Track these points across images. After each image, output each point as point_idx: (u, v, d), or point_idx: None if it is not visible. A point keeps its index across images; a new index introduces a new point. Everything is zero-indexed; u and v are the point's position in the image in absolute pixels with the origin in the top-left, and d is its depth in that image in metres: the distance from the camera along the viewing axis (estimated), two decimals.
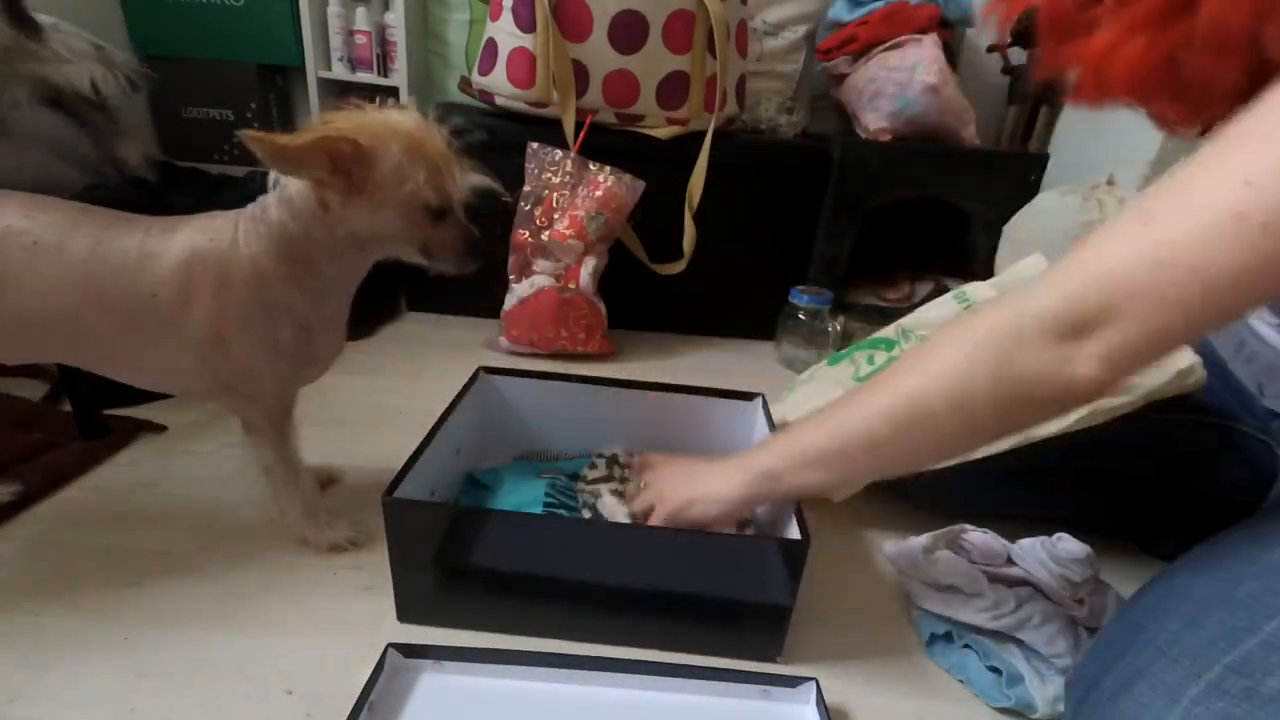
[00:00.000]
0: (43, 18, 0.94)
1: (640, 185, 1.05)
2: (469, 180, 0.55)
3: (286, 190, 0.53)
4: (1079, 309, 0.36)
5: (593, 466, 0.66)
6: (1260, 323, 0.63)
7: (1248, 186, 0.31)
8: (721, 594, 0.52)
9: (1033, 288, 0.39)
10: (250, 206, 0.55)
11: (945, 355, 0.43)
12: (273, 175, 0.53)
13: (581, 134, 1.03)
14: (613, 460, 0.67)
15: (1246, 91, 0.35)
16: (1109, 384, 0.37)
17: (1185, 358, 0.59)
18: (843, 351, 0.85)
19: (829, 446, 0.49)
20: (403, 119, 0.52)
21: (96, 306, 0.51)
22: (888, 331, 0.83)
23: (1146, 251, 0.34)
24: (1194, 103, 0.40)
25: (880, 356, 0.80)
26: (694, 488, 0.55)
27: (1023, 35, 1.15)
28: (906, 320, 0.82)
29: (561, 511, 0.61)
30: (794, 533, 0.51)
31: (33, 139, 0.96)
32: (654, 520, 0.55)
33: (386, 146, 0.50)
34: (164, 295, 0.52)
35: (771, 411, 0.71)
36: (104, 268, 0.51)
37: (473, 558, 0.52)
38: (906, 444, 0.46)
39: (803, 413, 0.80)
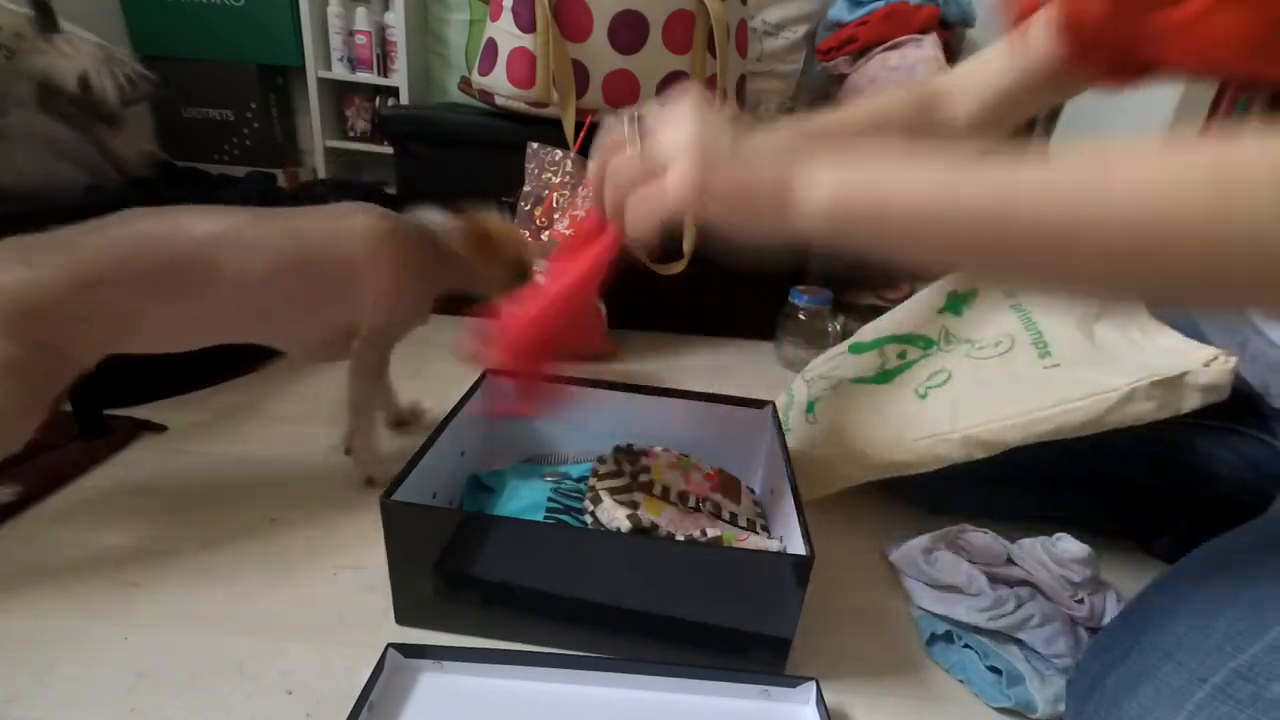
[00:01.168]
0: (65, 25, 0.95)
1: None
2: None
3: (447, 227, 0.70)
4: None
5: (602, 461, 0.66)
6: (1265, 321, 0.63)
7: None
8: (724, 605, 0.51)
9: None
10: (425, 210, 0.71)
11: (1197, 179, 0.29)
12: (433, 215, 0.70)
13: (581, 134, 1.03)
14: (621, 454, 0.66)
15: None
16: None
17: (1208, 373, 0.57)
18: (867, 341, 0.83)
19: (928, 216, 0.33)
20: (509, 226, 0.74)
21: (303, 281, 0.62)
22: (929, 330, 0.78)
23: None
24: None
25: (915, 353, 0.77)
26: (724, 165, 0.38)
27: None
28: (954, 325, 0.76)
29: (565, 517, 0.61)
30: (798, 547, 0.51)
31: (32, 139, 0.97)
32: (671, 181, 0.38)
33: (508, 242, 0.72)
34: (360, 259, 0.64)
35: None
36: (307, 246, 0.63)
37: (472, 563, 0.52)
38: (1068, 267, 0.32)
39: (821, 395, 0.79)
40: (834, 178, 0.36)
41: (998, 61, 0.55)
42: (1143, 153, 0.31)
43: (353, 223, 0.65)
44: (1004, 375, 0.66)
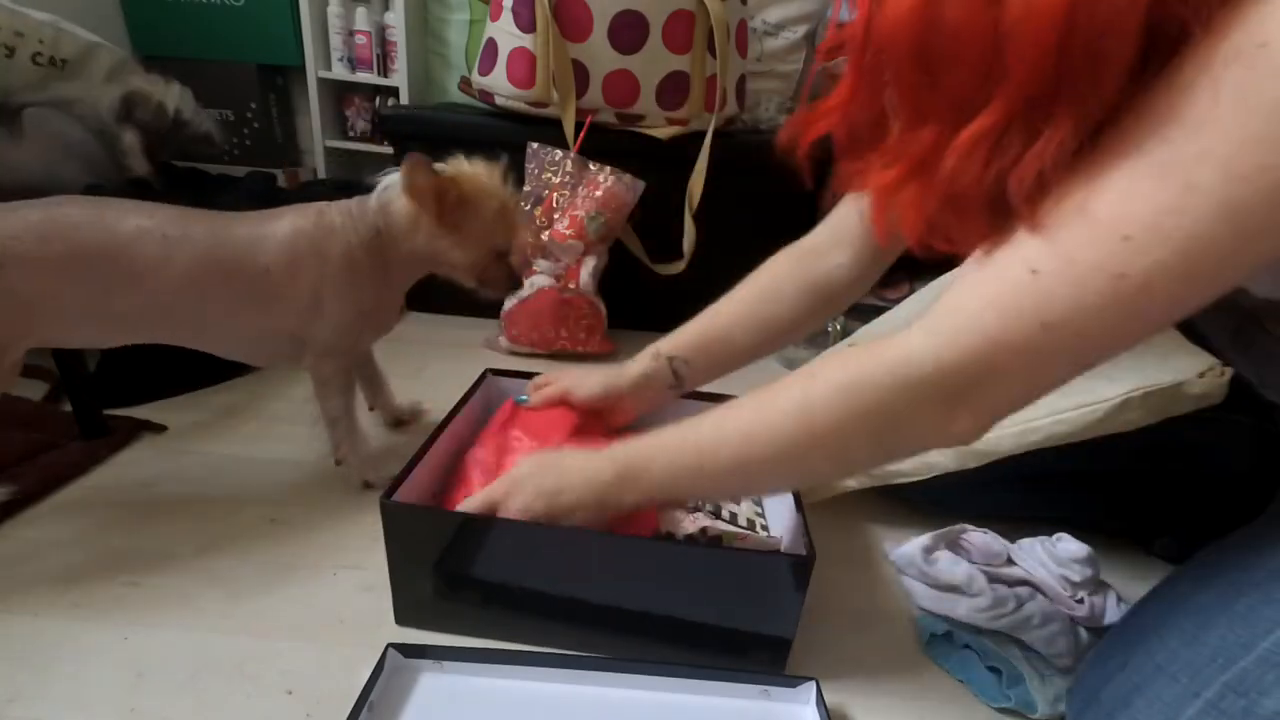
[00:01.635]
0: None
1: (640, 185, 1.05)
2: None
3: (391, 204, 0.65)
4: (962, 372, 0.36)
5: None
6: (1265, 315, 0.62)
7: (1125, 242, 0.31)
8: (724, 605, 0.51)
9: (916, 338, 0.38)
10: (348, 202, 0.66)
11: (824, 407, 0.41)
12: (382, 183, 0.65)
13: (581, 134, 1.03)
14: None
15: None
16: (985, 431, 0.38)
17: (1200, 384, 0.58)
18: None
19: (680, 484, 0.48)
20: (495, 180, 0.66)
21: (221, 285, 0.61)
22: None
23: (1030, 311, 0.33)
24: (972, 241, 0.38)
25: None
26: (555, 495, 0.50)
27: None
28: None
29: None
30: (799, 547, 0.51)
31: (47, 137, 0.99)
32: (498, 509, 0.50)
33: (485, 202, 0.65)
34: (275, 269, 0.62)
35: None
36: (225, 250, 0.61)
37: (472, 563, 0.52)
38: (756, 483, 0.50)
39: None
40: (625, 455, 0.49)
41: (848, 208, 0.61)
42: (751, 402, 0.45)
43: (275, 229, 0.63)
44: None
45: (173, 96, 1.08)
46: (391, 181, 0.65)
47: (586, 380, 0.65)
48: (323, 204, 0.65)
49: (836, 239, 0.62)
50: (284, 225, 0.63)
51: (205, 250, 0.60)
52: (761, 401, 0.44)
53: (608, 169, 1.03)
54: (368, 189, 0.66)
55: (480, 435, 0.63)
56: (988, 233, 0.36)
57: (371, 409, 0.83)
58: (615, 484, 0.49)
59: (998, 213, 0.35)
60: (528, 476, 0.51)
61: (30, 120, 0.98)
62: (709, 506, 0.62)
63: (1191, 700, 0.35)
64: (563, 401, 0.65)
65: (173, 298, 0.59)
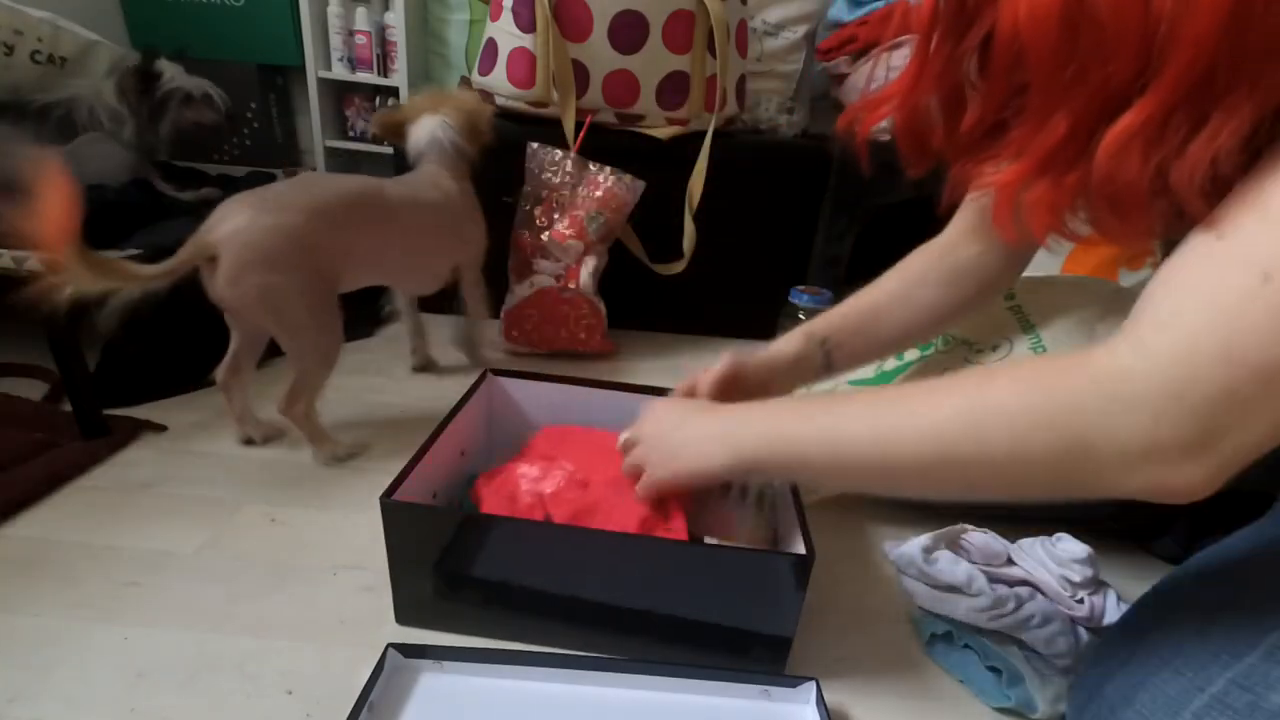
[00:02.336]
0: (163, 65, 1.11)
1: (640, 185, 1.05)
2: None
3: (443, 137, 0.87)
4: (1185, 435, 0.30)
5: None
6: None
7: None
8: (724, 605, 0.51)
9: (1123, 350, 0.32)
10: (430, 167, 0.88)
11: (996, 414, 0.35)
12: (421, 137, 0.87)
13: (581, 134, 1.03)
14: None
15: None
16: (1216, 483, 0.32)
17: None
18: None
19: (826, 459, 0.43)
20: (464, 94, 0.95)
21: (445, 234, 0.88)
22: None
23: (1266, 324, 0.28)
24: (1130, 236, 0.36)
25: (912, 354, 0.77)
26: (676, 459, 0.51)
27: None
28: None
29: None
30: (799, 547, 0.51)
31: (92, 160, 1.03)
32: (639, 489, 0.53)
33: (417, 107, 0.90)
34: (460, 214, 0.89)
35: None
36: (445, 207, 0.86)
37: (472, 563, 0.52)
38: (925, 485, 0.41)
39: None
40: (752, 438, 0.47)
41: (971, 206, 0.59)
42: (914, 395, 0.40)
43: (440, 187, 0.85)
44: None
45: (169, 68, 1.11)
46: (429, 128, 0.86)
47: (753, 357, 0.61)
48: (424, 169, 0.87)
49: (966, 233, 0.60)
50: (438, 185, 0.85)
51: (435, 208, 0.84)
52: (932, 389, 0.39)
53: (608, 169, 1.03)
54: (403, 157, 0.91)
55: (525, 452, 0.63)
56: (1155, 232, 0.34)
57: (413, 352, 1.00)
58: (745, 462, 0.47)
59: (1164, 211, 0.32)
60: (654, 437, 0.53)
61: (81, 146, 1.02)
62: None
63: (1196, 695, 0.35)
64: (733, 376, 0.59)
65: (417, 245, 0.83)
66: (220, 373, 0.75)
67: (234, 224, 0.65)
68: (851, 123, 0.44)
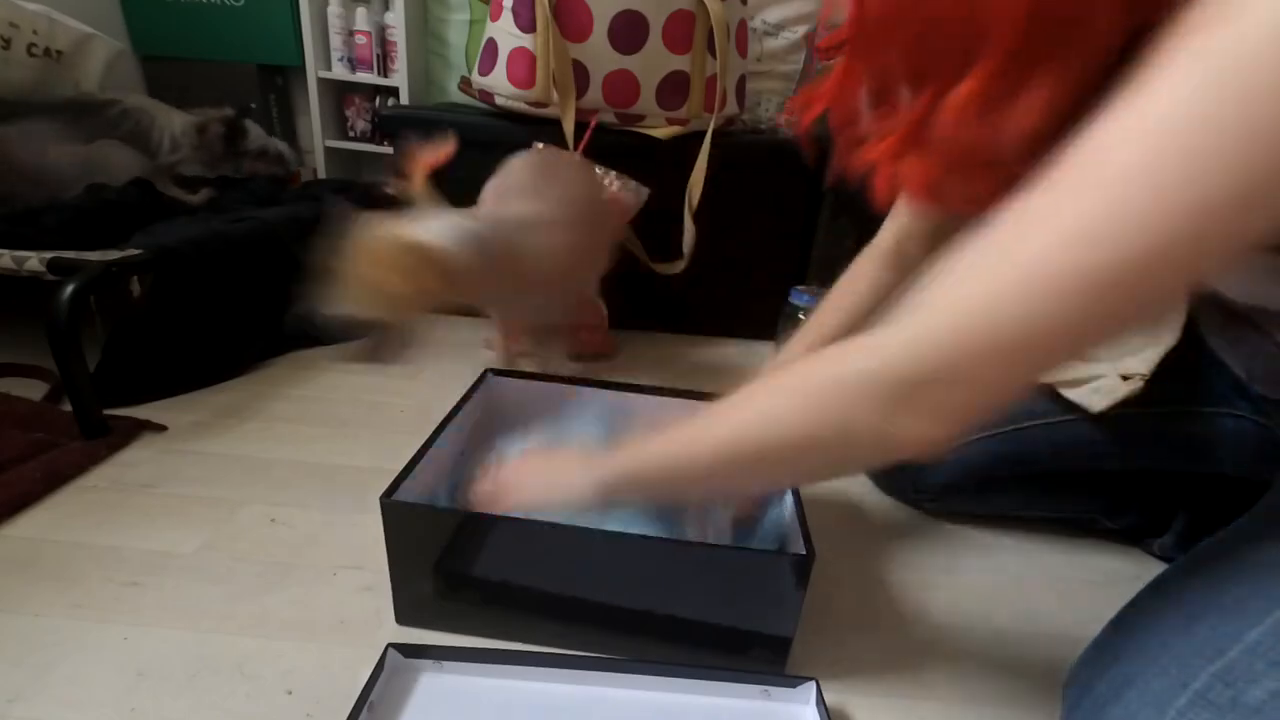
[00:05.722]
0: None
1: (646, 192, 1.04)
2: None
3: None
4: (920, 369, 0.34)
5: None
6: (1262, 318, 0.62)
7: (1093, 247, 0.28)
8: (724, 605, 0.51)
9: (884, 333, 0.36)
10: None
11: (788, 406, 0.39)
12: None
13: (585, 137, 1.03)
14: None
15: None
16: (943, 440, 0.35)
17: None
18: None
19: (661, 474, 0.46)
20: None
21: (589, 228, 0.83)
22: None
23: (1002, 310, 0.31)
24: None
25: None
26: (535, 488, 0.52)
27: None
28: None
29: None
30: (798, 547, 0.51)
31: (103, 166, 1.05)
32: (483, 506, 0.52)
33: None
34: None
35: None
36: (585, 203, 0.83)
37: (472, 563, 0.52)
38: (734, 482, 0.48)
39: None
40: (611, 472, 0.47)
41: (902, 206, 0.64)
42: (745, 395, 0.42)
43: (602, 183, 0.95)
44: None
45: (253, 128, 1.28)
46: None
47: None
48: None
49: (909, 236, 0.65)
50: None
51: (581, 210, 0.82)
52: (746, 395, 0.43)
53: (613, 174, 1.03)
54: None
55: None
56: (997, 197, 0.34)
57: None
58: (607, 487, 0.48)
59: (1002, 174, 0.33)
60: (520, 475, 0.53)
61: (95, 152, 1.04)
62: None
63: (1180, 691, 0.35)
64: None
65: (571, 258, 0.80)
66: None
67: None
68: (792, 116, 0.45)
